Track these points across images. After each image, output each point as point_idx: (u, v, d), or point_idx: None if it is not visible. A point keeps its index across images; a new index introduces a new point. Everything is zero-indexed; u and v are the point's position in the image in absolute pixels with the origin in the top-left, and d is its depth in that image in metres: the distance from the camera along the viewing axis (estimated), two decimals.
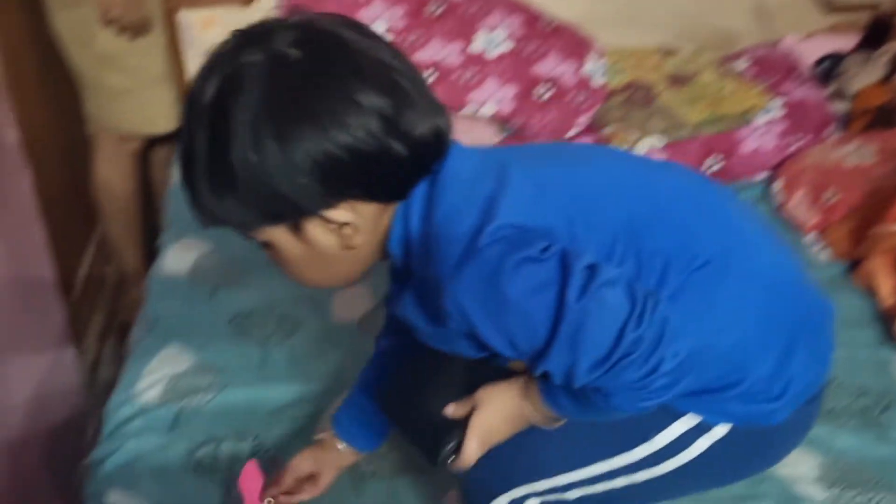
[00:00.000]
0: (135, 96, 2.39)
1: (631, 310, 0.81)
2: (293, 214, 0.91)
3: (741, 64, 2.42)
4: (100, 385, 2.61)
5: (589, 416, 0.95)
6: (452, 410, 1.03)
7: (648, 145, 2.21)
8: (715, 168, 2.25)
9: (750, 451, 1.02)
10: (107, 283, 2.95)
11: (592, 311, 0.81)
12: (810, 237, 2.07)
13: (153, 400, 1.66)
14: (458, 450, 1.02)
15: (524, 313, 0.84)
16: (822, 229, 2.05)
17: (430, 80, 2.21)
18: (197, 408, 1.65)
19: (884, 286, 1.85)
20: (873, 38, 2.58)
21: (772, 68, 2.39)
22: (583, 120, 2.26)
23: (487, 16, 2.33)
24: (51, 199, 2.19)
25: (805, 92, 2.33)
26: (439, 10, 2.32)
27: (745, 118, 2.24)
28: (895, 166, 2.07)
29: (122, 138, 2.50)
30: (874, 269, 1.88)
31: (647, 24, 2.51)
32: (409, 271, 0.97)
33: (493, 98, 2.24)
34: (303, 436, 1.61)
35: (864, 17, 2.66)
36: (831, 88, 2.47)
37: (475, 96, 2.24)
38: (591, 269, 0.83)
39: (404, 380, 1.09)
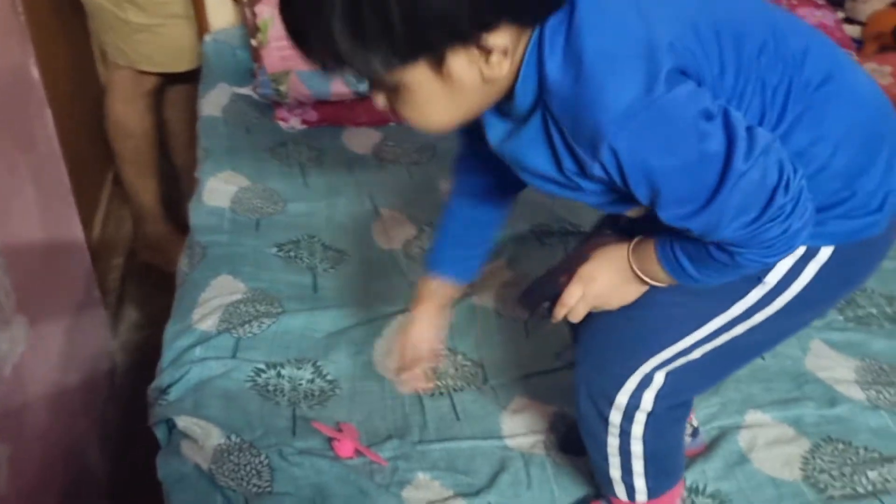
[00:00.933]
0: (153, 33, 2.40)
1: (779, 177, 0.87)
2: (444, 43, 0.86)
3: None
4: (124, 325, 2.66)
5: (704, 274, 0.99)
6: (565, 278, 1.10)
7: None
8: None
9: (852, 268, 1.06)
10: (124, 223, 2.98)
11: (751, 179, 0.86)
12: None
13: (211, 328, 1.71)
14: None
15: (690, 170, 0.87)
16: None
17: None
18: (256, 334, 1.71)
19: None
20: None
21: None
22: None
23: None
24: (66, 137, 2.20)
25: (820, 16, 2.40)
26: None
27: None
28: None
29: (138, 76, 2.51)
30: None
31: None
32: (530, 109, 0.94)
33: None
34: (360, 359, 1.68)
35: None
36: (842, 14, 2.54)
37: None
38: (750, 134, 0.87)
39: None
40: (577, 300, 1.09)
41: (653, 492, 1.28)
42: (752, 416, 1.55)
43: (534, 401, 1.61)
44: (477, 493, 1.44)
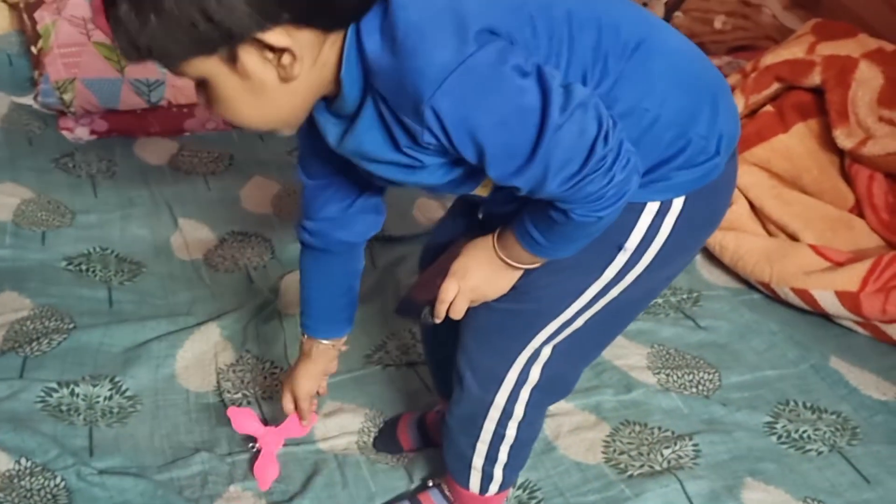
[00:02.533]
0: None
1: (598, 129, 0.90)
2: (225, 40, 0.87)
3: None
4: None
5: (553, 241, 1.02)
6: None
7: None
8: None
9: (705, 212, 1.11)
10: None
11: (570, 131, 0.88)
12: None
13: None
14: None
15: (509, 125, 0.89)
16: None
17: None
18: (45, 352, 1.58)
19: None
20: None
21: None
22: None
23: None
24: None
25: None
26: None
27: None
28: None
29: None
30: None
31: None
32: (361, 99, 0.95)
33: None
34: (162, 373, 1.59)
35: None
36: None
37: None
38: (567, 89, 0.89)
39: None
40: (453, 295, 1.09)
41: (504, 484, 1.30)
42: (556, 406, 1.59)
43: (345, 403, 1.58)
44: (290, 499, 1.40)
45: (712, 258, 1.95)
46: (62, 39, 2.13)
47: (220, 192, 2.06)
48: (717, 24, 2.62)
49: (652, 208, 1.05)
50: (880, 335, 1.75)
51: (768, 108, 2.02)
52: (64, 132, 2.14)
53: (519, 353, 1.16)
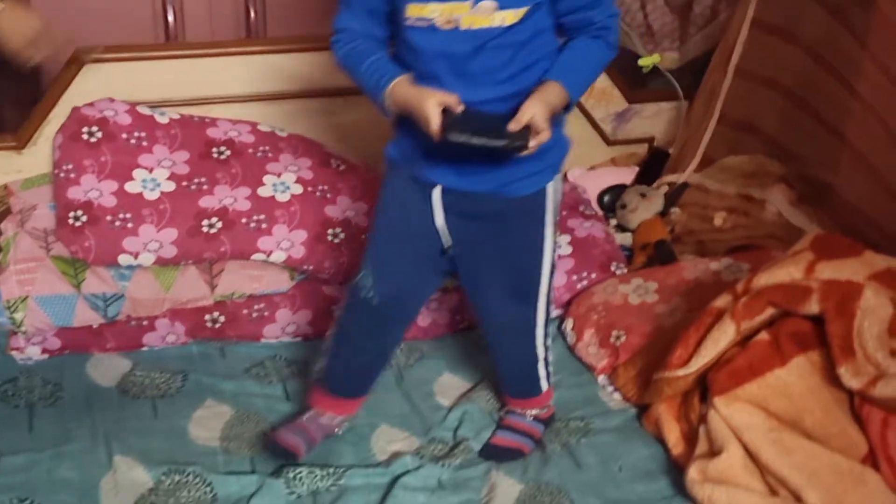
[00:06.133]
0: None
1: None
2: None
3: None
4: None
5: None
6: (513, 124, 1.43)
7: None
8: None
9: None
10: None
11: None
12: (602, 379, 1.97)
13: None
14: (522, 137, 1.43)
15: None
16: (612, 371, 1.95)
17: (216, 227, 1.99)
18: None
19: (671, 434, 1.75)
20: (650, 169, 2.58)
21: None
22: None
23: (276, 159, 2.15)
24: None
25: (590, 227, 2.26)
26: (225, 154, 2.13)
27: None
28: (674, 304, 2.01)
29: None
30: (661, 416, 1.78)
31: None
32: None
33: (283, 243, 2.04)
34: None
35: (641, 149, 2.66)
36: (615, 221, 2.44)
37: (265, 243, 2.03)
38: None
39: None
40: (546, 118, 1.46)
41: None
42: None
43: None
44: None
45: None
46: (20, 255, 1.95)
47: (167, 421, 1.81)
48: (717, 222, 2.34)
49: None
50: None
51: (763, 335, 1.70)
52: (14, 353, 1.94)
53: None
